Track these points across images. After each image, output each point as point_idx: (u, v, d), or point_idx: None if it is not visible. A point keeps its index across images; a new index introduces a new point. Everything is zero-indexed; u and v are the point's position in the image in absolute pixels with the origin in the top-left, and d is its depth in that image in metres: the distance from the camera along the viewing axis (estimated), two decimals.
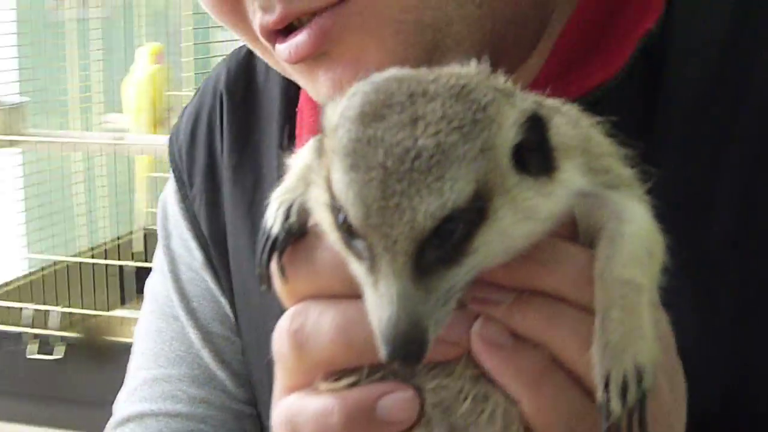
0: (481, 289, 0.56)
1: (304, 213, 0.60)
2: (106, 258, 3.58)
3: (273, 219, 0.61)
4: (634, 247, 0.56)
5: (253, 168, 0.99)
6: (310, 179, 0.59)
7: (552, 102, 0.59)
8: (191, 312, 1.04)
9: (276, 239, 0.60)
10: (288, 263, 0.60)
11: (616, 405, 0.53)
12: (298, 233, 0.60)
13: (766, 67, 0.79)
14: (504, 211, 0.53)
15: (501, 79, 0.57)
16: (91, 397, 2.69)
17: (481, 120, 0.52)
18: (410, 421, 0.58)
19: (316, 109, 0.89)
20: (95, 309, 3.40)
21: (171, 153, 1.06)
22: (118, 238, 3.66)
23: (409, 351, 0.52)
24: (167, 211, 1.08)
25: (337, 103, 0.56)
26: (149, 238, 3.65)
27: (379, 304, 0.52)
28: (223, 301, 1.03)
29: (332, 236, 0.56)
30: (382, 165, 0.51)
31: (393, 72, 0.56)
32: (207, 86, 1.06)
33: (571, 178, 0.56)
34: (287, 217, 0.60)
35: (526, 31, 0.81)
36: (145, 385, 1.06)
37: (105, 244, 3.71)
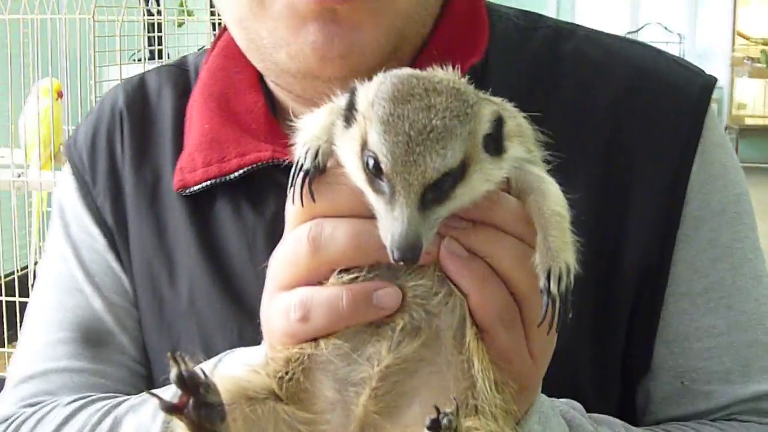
0: (452, 220, 0.86)
1: (326, 155, 0.90)
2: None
3: (303, 157, 0.89)
4: (556, 197, 0.88)
5: (152, 170, 1.28)
6: (331, 134, 0.89)
7: (499, 100, 0.91)
8: (95, 285, 1.28)
9: (307, 171, 0.89)
10: (314, 189, 0.88)
11: (554, 288, 0.84)
12: (322, 169, 0.89)
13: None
14: (475, 175, 0.84)
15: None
16: None
17: (470, 114, 0.84)
18: (395, 308, 0.87)
19: (203, 113, 1.23)
20: None
21: (70, 158, 1.34)
22: (13, 272, 3.78)
23: (411, 254, 0.81)
24: (63, 205, 1.33)
25: (366, 87, 0.87)
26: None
27: (394, 224, 0.82)
28: (124, 278, 1.28)
29: (357, 175, 0.86)
30: (407, 133, 0.82)
31: (409, 71, 0.87)
32: (103, 105, 1.36)
33: (513, 154, 0.88)
34: (315, 156, 0.89)
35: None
36: (48, 346, 1.27)
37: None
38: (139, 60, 4.40)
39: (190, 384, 0.80)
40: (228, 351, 1.10)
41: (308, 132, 0.92)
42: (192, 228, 1.23)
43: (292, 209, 0.91)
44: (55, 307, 1.30)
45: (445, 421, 0.78)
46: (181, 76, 1.34)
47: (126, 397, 1.19)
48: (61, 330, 1.28)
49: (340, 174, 0.88)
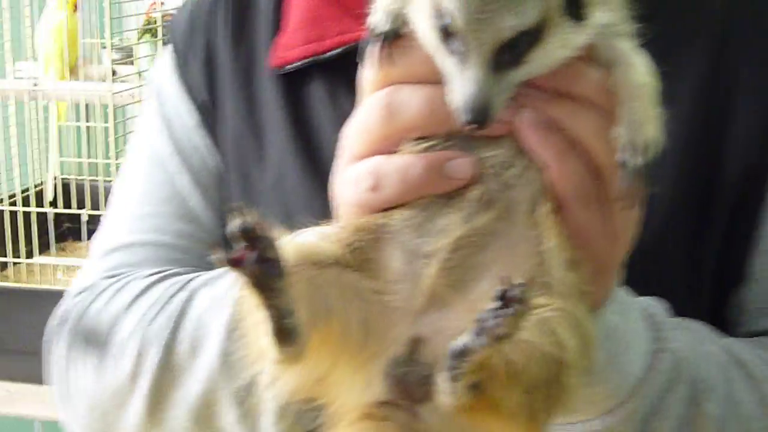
0: (529, 89, 0.83)
1: (403, 20, 0.86)
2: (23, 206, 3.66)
3: (381, 22, 0.86)
4: (644, 68, 0.84)
5: (248, 50, 1.27)
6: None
7: None
8: (184, 161, 1.29)
9: (386, 36, 0.86)
10: (392, 54, 0.86)
11: (633, 161, 0.81)
12: (398, 34, 0.86)
13: None
14: (552, 38, 0.80)
15: None
16: (19, 345, 2.84)
17: None
18: (469, 179, 0.84)
19: None
20: (15, 257, 3.48)
21: (172, 34, 1.35)
22: (36, 186, 3.75)
23: (482, 117, 0.78)
24: (160, 82, 1.34)
25: None
26: (63, 186, 3.77)
27: (465, 84, 0.79)
28: (213, 156, 1.29)
29: (429, 37, 0.82)
30: None
31: None
32: None
33: (597, 21, 0.83)
34: (392, 21, 0.86)
35: None
36: (133, 220, 1.29)
37: (25, 191, 3.78)
38: None
39: (252, 237, 0.77)
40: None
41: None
42: (285, 108, 1.22)
43: (368, 75, 0.88)
44: (142, 181, 1.31)
45: (515, 292, 0.75)
46: None
47: (204, 272, 1.18)
48: (148, 204, 1.29)
49: (417, 39, 0.85)
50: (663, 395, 0.97)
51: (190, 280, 1.16)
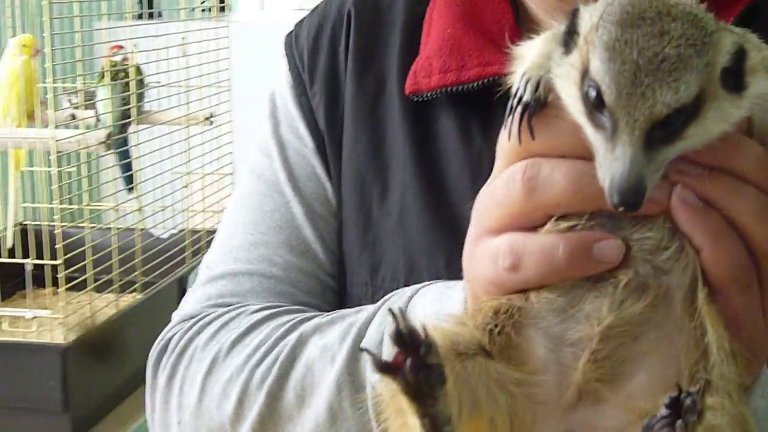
0: (683, 164, 0.77)
1: (547, 88, 0.80)
2: None
3: (523, 89, 0.80)
4: None
5: (375, 77, 1.21)
6: (550, 64, 0.79)
7: (742, 31, 0.81)
8: (297, 189, 1.22)
9: (527, 105, 0.79)
10: (534, 124, 0.79)
11: None
12: (543, 103, 0.80)
13: None
14: (710, 113, 0.75)
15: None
16: None
17: (708, 43, 0.74)
18: (618, 262, 0.78)
19: (445, 16, 1.15)
20: None
21: (290, 56, 1.28)
22: None
23: (633, 198, 0.72)
24: (276, 103, 1.28)
25: (590, 8, 0.77)
26: (23, 233, 3.61)
27: (616, 163, 0.72)
28: (328, 185, 1.22)
29: (576, 108, 0.76)
30: (635, 62, 0.72)
31: None
32: (330, 5, 1.29)
33: (756, 91, 0.78)
34: (536, 89, 0.80)
35: None
36: (241, 248, 1.22)
37: None
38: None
39: (409, 342, 0.70)
40: (427, 283, 1.02)
41: (528, 60, 0.82)
42: (413, 141, 1.15)
43: (507, 145, 0.81)
44: (255, 207, 1.24)
45: (688, 401, 0.68)
46: None
47: (313, 312, 1.12)
48: (258, 232, 1.22)
49: (562, 109, 0.79)
50: None
51: (299, 321, 1.10)
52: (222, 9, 3.95)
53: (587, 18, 0.77)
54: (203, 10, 3.61)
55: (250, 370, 1.08)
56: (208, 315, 1.19)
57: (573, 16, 0.79)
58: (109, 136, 2.65)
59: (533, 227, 0.81)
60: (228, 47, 3.11)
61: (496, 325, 0.79)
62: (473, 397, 0.76)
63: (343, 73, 1.23)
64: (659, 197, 0.76)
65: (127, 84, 2.71)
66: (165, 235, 3.00)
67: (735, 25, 0.83)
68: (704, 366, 0.77)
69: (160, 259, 2.77)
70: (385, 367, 0.70)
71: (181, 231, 3.03)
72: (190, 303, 1.25)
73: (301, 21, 1.31)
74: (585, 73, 0.75)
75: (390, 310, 0.72)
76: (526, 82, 0.80)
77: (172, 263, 2.79)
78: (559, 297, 0.79)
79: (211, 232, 3.05)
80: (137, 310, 2.54)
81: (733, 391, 0.77)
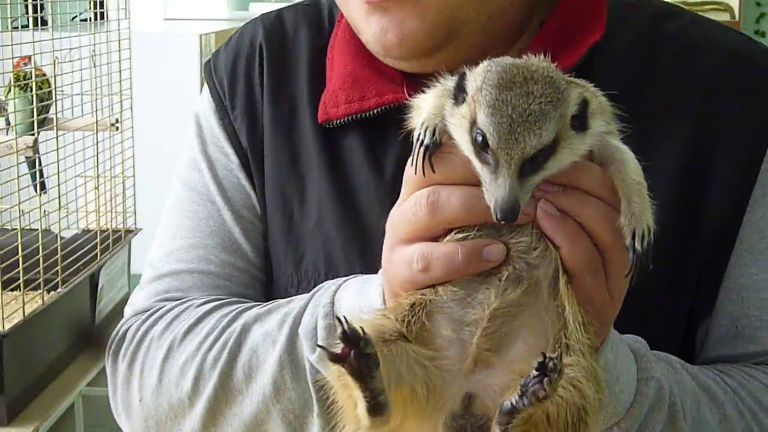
0: (545, 185, 1.03)
1: (441, 132, 1.05)
2: None
3: (423, 135, 1.04)
4: (634, 166, 1.05)
5: (288, 103, 1.47)
6: (444, 113, 1.04)
7: (583, 82, 1.07)
8: (227, 198, 1.48)
9: (428, 146, 1.04)
10: (434, 161, 1.04)
11: (639, 246, 1.02)
12: (439, 144, 1.05)
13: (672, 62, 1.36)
14: (564, 149, 1.01)
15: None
16: None
17: (561, 98, 1.00)
18: (501, 261, 1.04)
19: (345, 56, 1.42)
20: None
21: (210, 83, 1.52)
22: None
23: (512, 215, 0.98)
24: (201, 124, 1.53)
25: (474, 72, 1.03)
26: None
27: (497, 189, 0.98)
28: (252, 195, 1.48)
29: (466, 148, 1.02)
30: (510, 116, 0.98)
31: (509, 60, 1.02)
32: (243, 37, 1.54)
33: (595, 130, 1.05)
34: (433, 134, 1.04)
35: (511, 27, 1.34)
36: (182, 250, 1.48)
37: None
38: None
39: (352, 338, 0.96)
40: (349, 277, 1.28)
41: (425, 112, 1.07)
42: (325, 158, 1.41)
43: (412, 176, 1.06)
44: (190, 215, 1.49)
45: (551, 364, 0.94)
46: (316, 15, 1.52)
47: (250, 303, 1.40)
48: (195, 236, 1.48)
49: (453, 147, 1.04)
50: (648, 415, 1.19)
51: (240, 312, 1.36)
52: (102, 16, 4.05)
53: (472, 80, 1.02)
54: (83, 20, 3.71)
55: (203, 354, 1.33)
56: (159, 309, 1.44)
57: (461, 78, 1.04)
58: (35, 141, 2.80)
59: (436, 238, 1.06)
60: (129, 58, 3.26)
61: (412, 316, 1.05)
62: (397, 372, 1.02)
63: (260, 98, 1.48)
64: (529, 210, 1.02)
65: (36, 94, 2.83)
66: (68, 235, 3.12)
67: (581, 64, 1.10)
68: (565, 334, 1.04)
69: (71, 258, 2.89)
70: (335, 357, 0.97)
71: (88, 231, 3.16)
72: (140, 299, 1.50)
73: (217, 52, 1.55)
74: (473, 122, 1.00)
75: (337, 317, 1.00)
76: (425, 130, 1.05)
77: (83, 261, 2.93)
78: (459, 290, 1.05)
79: (117, 231, 3.22)
80: (57, 304, 2.73)
81: (586, 351, 1.04)
